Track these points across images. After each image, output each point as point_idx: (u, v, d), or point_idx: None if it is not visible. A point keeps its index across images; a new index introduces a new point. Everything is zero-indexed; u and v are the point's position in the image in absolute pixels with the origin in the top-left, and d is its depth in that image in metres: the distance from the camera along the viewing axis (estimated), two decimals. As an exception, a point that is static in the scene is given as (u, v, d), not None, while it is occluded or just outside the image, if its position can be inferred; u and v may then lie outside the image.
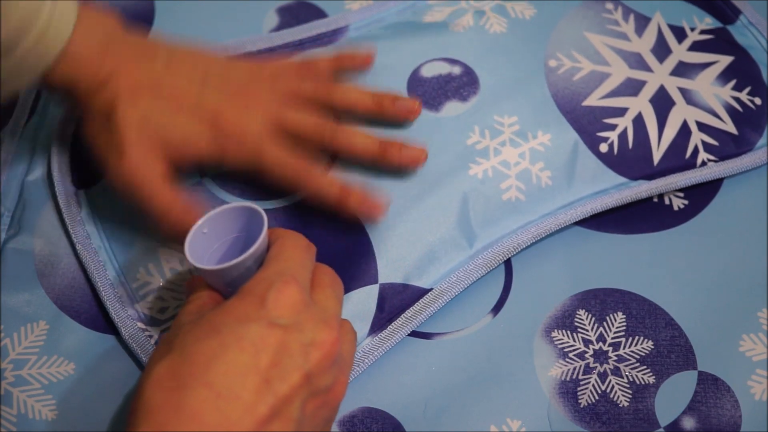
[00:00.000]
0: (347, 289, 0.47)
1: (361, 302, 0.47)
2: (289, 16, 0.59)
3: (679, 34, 0.56)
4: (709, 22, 0.57)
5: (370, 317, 0.47)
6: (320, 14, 0.59)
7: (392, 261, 0.48)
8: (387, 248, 0.48)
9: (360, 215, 0.48)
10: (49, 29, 0.44)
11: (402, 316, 0.47)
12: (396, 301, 0.48)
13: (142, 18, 0.57)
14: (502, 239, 0.49)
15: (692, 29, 0.56)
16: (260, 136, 0.48)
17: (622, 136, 0.52)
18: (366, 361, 0.46)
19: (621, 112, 0.53)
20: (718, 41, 0.56)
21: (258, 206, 0.41)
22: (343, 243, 0.48)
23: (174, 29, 0.57)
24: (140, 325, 0.47)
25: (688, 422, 0.46)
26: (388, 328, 0.47)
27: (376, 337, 0.47)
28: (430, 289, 0.48)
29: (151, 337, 0.47)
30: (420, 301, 0.48)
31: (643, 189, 0.51)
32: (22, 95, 0.55)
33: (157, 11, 0.58)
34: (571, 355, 0.48)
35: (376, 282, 0.48)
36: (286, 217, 0.49)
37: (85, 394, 0.46)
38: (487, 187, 0.50)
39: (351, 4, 0.59)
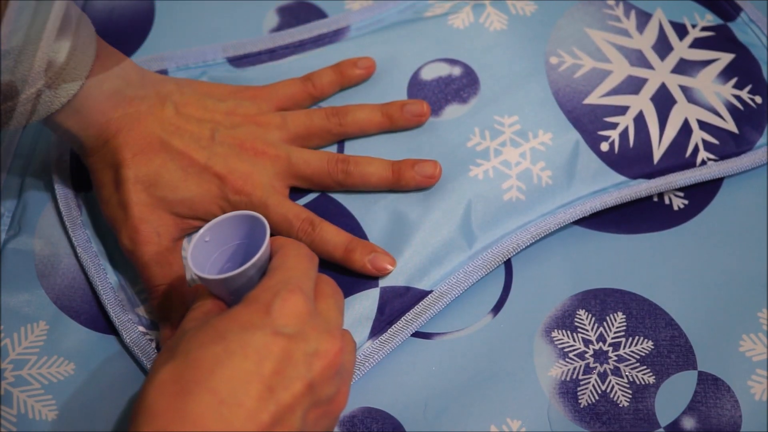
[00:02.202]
0: (347, 293, 0.47)
1: (362, 306, 0.47)
2: (289, 16, 0.59)
3: (681, 30, 0.56)
4: (710, 18, 0.57)
5: (371, 321, 0.47)
6: (320, 14, 0.59)
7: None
8: (389, 252, 0.48)
9: (365, 271, 0.48)
10: (64, 74, 0.44)
11: (402, 318, 0.47)
12: (396, 304, 0.47)
13: (142, 18, 0.57)
14: (502, 239, 0.49)
15: (693, 26, 0.56)
16: (267, 192, 0.48)
17: (623, 135, 0.52)
18: (366, 364, 0.46)
19: (622, 110, 0.53)
20: (719, 38, 0.56)
21: (260, 215, 0.41)
22: None
23: (174, 29, 0.57)
24: (141, 329, 0.47)
25: (688, 422, 0.46)
26: (388, 331, 0.47)
27: (377, 341, 0.47)
28: (431, 291, 0.48)
29: (152, 340, 0.47)
30: (420, 304, 0.48)
31: (642, 188, 0.51)
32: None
33: (157, 11, 0.58)
34: (571, 355, 0.48)
35: (376, 285, 0.48)
36: None
37: (86, 394, 0.46)
38: (487, 187, 0.50)
39: (351, 4, 0.59)
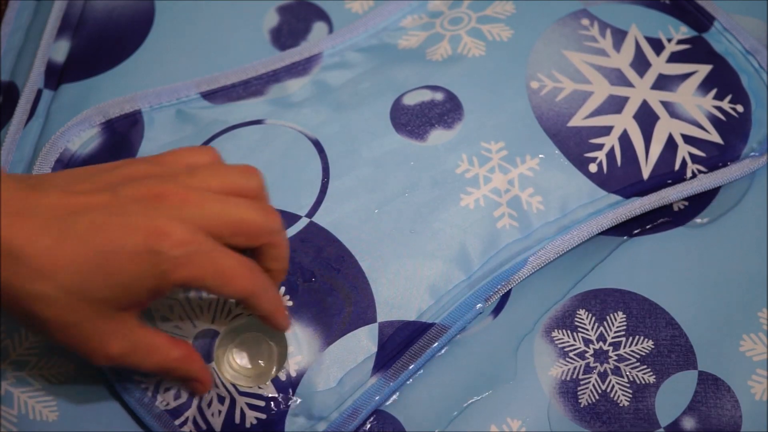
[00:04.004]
0: (345, 331, 0.47)
1: (361, 342, 0.46)
2: (290, 15, 0.58)
3: (657, 45, 0.56)
4: (684, 31, 0.57)
5: (373, 357, 0.46)
6: (320, 13, 0.58)
7: (390, 298, 0.47)
8: (384, 285, 0.48)
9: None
10: None
11: (407, 353, 0.46)
12: (398, 339, 0.47)
13: (142, 18, 0.57)
14: (501, 266, 0.49)
15: (669, 40, 0.56)
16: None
17: (610, 154, 0.52)
18: (373, 401, 0.46)
19: (606, 131, 0.53)
20: (696, 51, 0.56)
21: None
22: (337, 283, 0.48)
23: (174, 29, 0.57)
24: (135, 377, 0.46)
25: (689, 422, 0.46)
26: (392, 367, 0.46)
27: (381, 377, 0.46)
28: (433, 324, 0.47)
29: (147, 389, 0.46)
30: (423, 337, 0.47)
31: (636, 206, 0.51)
32: (23, 96, 0.55)
33: (157, 11, 0.57)
34: (571, 354, 0.48)
35: (375, 321, 0.47)
36: None
37: (86, 395, 0.46)
38: (479, 216, 0.50)
39: (351, 4, 0.59)
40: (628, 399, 0.47)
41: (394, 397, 0.47)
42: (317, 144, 0.52)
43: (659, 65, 0.55)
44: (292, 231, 0.49)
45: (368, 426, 0.46)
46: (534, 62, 0.55)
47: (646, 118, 0.53)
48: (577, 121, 0.53)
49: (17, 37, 0.57)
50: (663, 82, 0.54)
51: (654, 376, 0.47)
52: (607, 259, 0.51)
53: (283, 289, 0.47)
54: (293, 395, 0.45)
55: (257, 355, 0.46)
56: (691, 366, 0.47)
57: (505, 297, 0.50)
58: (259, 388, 0.45)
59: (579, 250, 0.51)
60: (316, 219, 0.49)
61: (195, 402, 0.45)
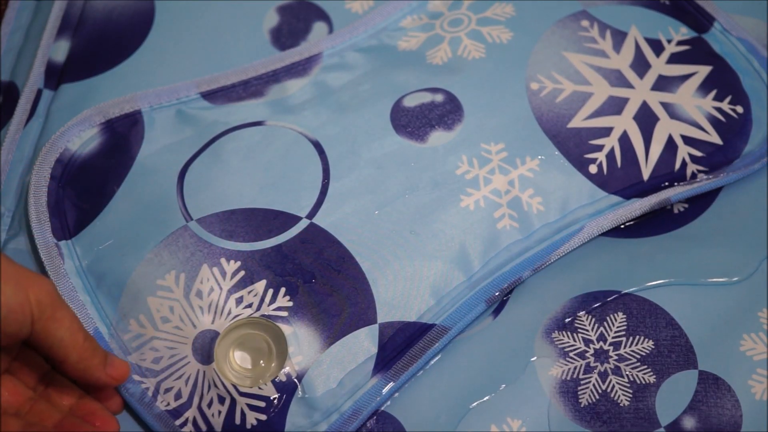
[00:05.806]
0: (346, 331, 0.46)
1: (362, 343, 0.46)
2: (290, 15, 0.59)
3: (657, 47, 0.56)
4: (684, 32, 0.57)
5: (373, 358, 0.46)
6: (320, 13, 0.59)
7: (390, 299, 0.47)
8: (384, 286, 0.48)
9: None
10: None
11: (407, 354, 0.47)
12: (399, 339, 0.47)
13: (142, 18, 0.57)
14: (501, 268, 0.49)
15: (669, 41, 0.56)
16: None
17: (610, 155, 0.52)
18: (373, 402, 0.46)
19: (606, 132, 0.53)
20: (695, 51, 0.56)
21: None
22: (338, 284, 0.48)
23: (174, 29, 0.57)
24: (136, 377, 0.46)
25: (689, 422, 0.46)
26: (392, 368, 0.46)
27: (382, 378, 0.46)
28: (433, 325, 0.47)
29: (147, 389, 0.46)
30: (423, 339, 0.47)
31: (636, 207, 0.51)
32: (23, 96, 0.55)
33: (157, 11, 0.57)
34: (571, 354, 0.48)
35: (375, 322, 0.47)
36: (277, 257, 0.48)
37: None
38: (479, 217, 0.50)
39: (351, 4, 0.59)
40: (629, 399, 0.47)
41: (395, 397, 0.47)
42: (317, 145, 0.52)
43: (659, 66, 0.55)
44: (293, 232, 0.49)
45: (369, 426, 0.46)
46: (534, 64, 0.55)
47: (646, 119, 0.53)
48: (577, 122, 0.53)
49: (17, 37, 0.57)
50: (663, 83, 0.54)
51: (654, 376, 0.47)
52: (608, 261, 0.51)
53: (283, 289, 0.48)
54: (293, 396, 0.45)
55: (257, 355, 0.46)
56: (692, 366, 0.47)
57: (504, 299, 0.50)
58: (260, 388, 0.45)
59: (579, 251, 0.51)
60: (316, 220, 0.50)
61: (195, 402, 0.45)
